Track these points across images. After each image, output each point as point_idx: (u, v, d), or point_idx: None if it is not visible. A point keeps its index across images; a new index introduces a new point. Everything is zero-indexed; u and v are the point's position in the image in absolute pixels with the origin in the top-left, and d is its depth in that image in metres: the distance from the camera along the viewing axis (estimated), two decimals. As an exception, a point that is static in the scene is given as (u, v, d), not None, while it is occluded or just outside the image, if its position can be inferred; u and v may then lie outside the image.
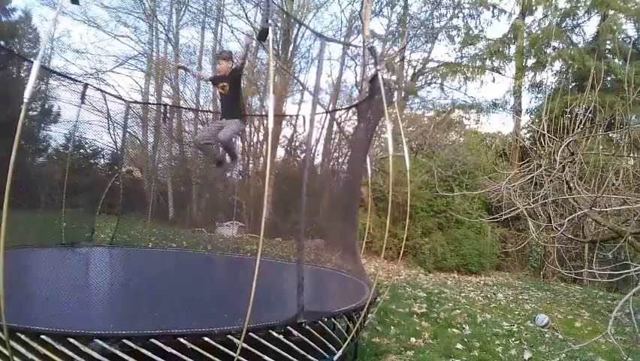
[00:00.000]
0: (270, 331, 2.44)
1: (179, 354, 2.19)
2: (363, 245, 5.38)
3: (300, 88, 13.92)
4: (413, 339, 4.08)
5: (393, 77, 14.23)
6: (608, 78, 12.11)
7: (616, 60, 12.87)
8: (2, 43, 11.43)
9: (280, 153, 13.58)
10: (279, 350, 2.46)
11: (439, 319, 5.00)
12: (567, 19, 14.48)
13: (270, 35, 2.56)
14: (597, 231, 6.93)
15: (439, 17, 15.02)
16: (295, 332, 2.53)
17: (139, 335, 2.19)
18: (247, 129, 12.81)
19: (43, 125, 9.14)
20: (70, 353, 2.09)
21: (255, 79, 12.73)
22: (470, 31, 15.30)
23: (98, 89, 6.19)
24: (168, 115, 8.29)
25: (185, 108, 12.75)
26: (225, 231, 9.83)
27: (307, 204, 2.88)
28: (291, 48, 13.50)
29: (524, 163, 7.39)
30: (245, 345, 2.27)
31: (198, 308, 3.13)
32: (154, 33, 13.67)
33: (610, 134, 7.34)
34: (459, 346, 4.01)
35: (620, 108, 5.80)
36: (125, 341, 2.13)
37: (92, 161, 9.94)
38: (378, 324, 4.45)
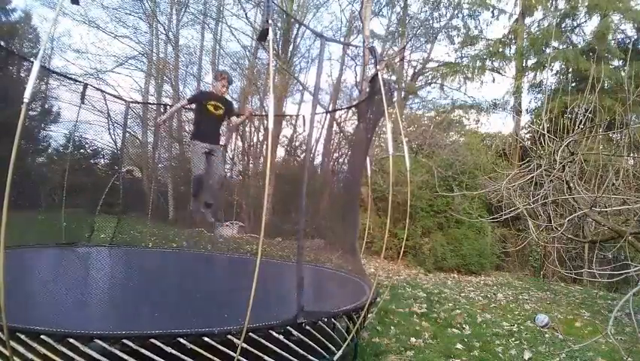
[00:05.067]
0: (270, 331, 2.44)
1: (179, 354, 2.19)
2: (363, 245, 5.38)
3: (300, 88, 13.95)
4: (413, 339, 4.08)
5: (393, 77, 14.23)
6: (607, 80, 12.09)
7: (615, 62, 12.89)
8: (2, 43, 11.43)
9: (280, 152, 13.61)
10: (278, 350, 2.46)
11: (439, 319, 5.00)
12: (567, 19, 14.49)
13: (270, 35, 2.55)
14: (597, 231, 6.92)
15: (438, 17, 15.04)
16: (295, 332, 2.53)
17: (139, 335, 2.18)
18: (247, 129, 12.85)
19: (43, 125, 9.15)
20: (70, 353, 2.09)
21: (254, 79, 12.74)
22: (470, 32, 15.31)
23: (98, 89, 6.20)
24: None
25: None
26: (225, 231, 9.83)
27: (307, 205, 2.88)
28: (290, 48, 13.52)
29: (524, 163, 7.37)
30: (245, 345, 2.26)
31: (198, 308, 3.13)
32: (154, 33, 13.68)
33: (610, 134, 7.34)
34: (459, 346, 4.01)
35: (620, 109, 5.80)
36: (124, 341, 2.13)
37: (92, 161, 9.94)
38: (378, 324, 4.45)
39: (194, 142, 4.00)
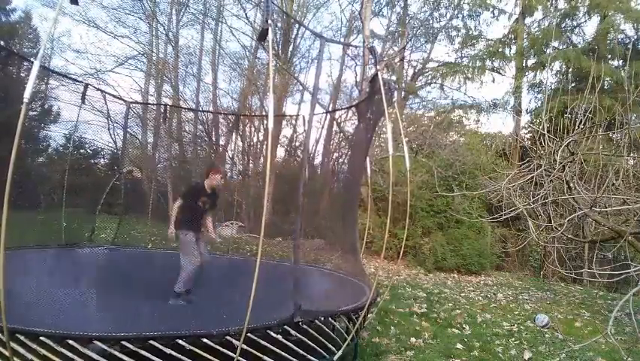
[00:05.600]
0: (268, 331, 2.44)
1: (178, 355, 2.19)
2: (363, 245, 5.37)
3: (300, 88, 13.95)
4: (413, 339, 4.08)
5: (393, 77, 14.23)
6: (607, 79, 12.08)
7: (615, 62, 12.88)
8: (2, 43, 11.43)
9: (280, 152, 13.61)
10: (278, 351, 2.46)
11: (439, 319, 5.00)
12: (567, 19, 14.49)
13: (270, 35, 2.55)
14: (597, 231, 6.92)
15: (438, 17, 15.05)
16: (293, 332, 2.52)
17: (138, 336, 2.18)
18: (247, 129, 12.86)
19: (43, 125, 9.16)
20: (70, 355, 2.09)
21: (254, 79, 12.74)
22: (470, 32, 15.31)
23: (98, 89, 6.19)
24: (168, 115, 8.30)
25: (185, 108, 12.75)
26: (225, 231, 9.83)
27: (307, 205, 2.88)
28: (290, 48, 13.51)
29: (524, 163, 7.37)
30: (244, 346, 2.26)
31: (197, 309, 3.13)
32: (154, 33, 13.67)
33: (610, 134, 7.34)
34: (459, 346, 4.01)
35: (620, 109, 5.80)
36: (124, 342, 2.13)
37: (92, 161, 9.95)
38: (378, 324, 4.45)
39: (182, 231, 4.17)
